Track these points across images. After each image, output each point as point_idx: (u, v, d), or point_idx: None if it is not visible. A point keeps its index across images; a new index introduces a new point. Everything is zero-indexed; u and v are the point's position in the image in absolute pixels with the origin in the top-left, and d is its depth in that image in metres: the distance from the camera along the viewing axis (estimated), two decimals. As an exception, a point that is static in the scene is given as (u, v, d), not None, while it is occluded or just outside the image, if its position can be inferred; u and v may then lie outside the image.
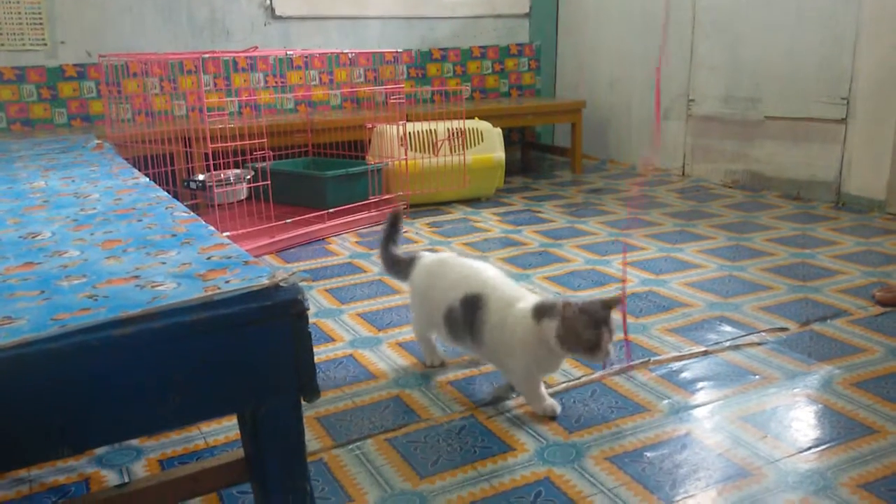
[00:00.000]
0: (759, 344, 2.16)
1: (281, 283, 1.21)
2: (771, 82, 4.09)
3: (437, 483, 1.55)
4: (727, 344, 2.16)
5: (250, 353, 1.21)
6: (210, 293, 1.17)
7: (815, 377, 1.94)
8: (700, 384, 1.93)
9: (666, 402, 1.84)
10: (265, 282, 1.20)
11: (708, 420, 1.76)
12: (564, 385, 1.93)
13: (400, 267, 2.11)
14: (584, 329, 1.66)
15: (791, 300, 2.49)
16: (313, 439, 1.72)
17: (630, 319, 2.37)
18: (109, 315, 1.11)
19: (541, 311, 1.73)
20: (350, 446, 1.70)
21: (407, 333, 2.30)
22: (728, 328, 2.28)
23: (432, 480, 1.56)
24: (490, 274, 1.90)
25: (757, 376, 1.96)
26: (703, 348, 2.13)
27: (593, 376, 1.97)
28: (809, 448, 1.63)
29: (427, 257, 2.05)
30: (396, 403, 1.88)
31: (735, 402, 1.83)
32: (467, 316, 1.83)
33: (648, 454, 1.62)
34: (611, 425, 1.74)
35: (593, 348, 1.67)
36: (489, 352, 1.85)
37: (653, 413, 1.79)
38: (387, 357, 2.14)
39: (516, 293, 1.83)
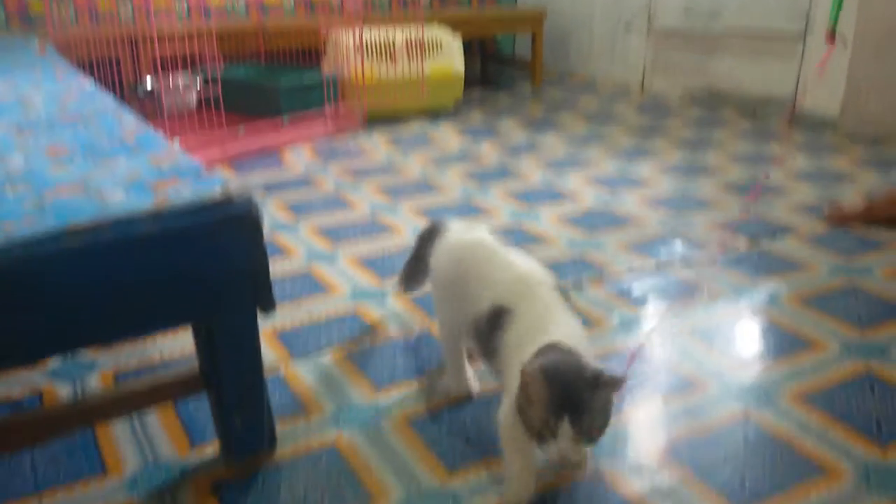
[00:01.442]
0: (709, 260, 2.20)
1: (234, 195, 1.18)
2: (733, -4, 4.05)
3: (394, 396, 1.57)
4: (678, 260, 2.20)
5: (204, 266, 1.20)
6: (161, 204, 1.15)
7: (762, 293, 1.99)
8: (650, 299, 1.97)
9: (616, 316, 1.88)
10: (218, 193, 1.18)
11: (656, 334, 1.81)
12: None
13: (420, 247, 1.68)
14: (535, 404, 1.12)
15: (742, 217, 2.53)
16: (270, 354, 1.73)
17: (584, 237, 2.38)
18: (57, 224, 1.08)
19: (538, 354, 1.20)
20: (307, 361, 1.71)
21: (364, 248, 2.29)
22: (680, 244, 2.31)
23: (388, 393, 1.58)
24: (534, 282, 1.34)
25: (706, 292, 2.01)
26: (654, 264, 2.17)
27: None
28: (753, 361, 1.69)
29: (456, 233, 1.54)
30: (354, 319, 1.89)
31: (683, 317, 1.88)
32: (491, 333, 1.32)
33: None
34: (564, 339, 1.77)
35: (541, 438, 1.13)
36: (506, 385, 1.29)
37: (603, 327, 1.83)
38: (344, 272, 2.14)
39: (552, 317, 1.27)
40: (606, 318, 1.87)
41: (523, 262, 1.40)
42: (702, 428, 1.46)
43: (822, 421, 1.47)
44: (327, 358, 1.71)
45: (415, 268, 1.74)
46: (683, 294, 2.00)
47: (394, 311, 1.92)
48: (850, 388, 1.58)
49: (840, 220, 2.45)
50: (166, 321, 1.24)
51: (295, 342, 1.78)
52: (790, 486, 1.30)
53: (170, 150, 1.39)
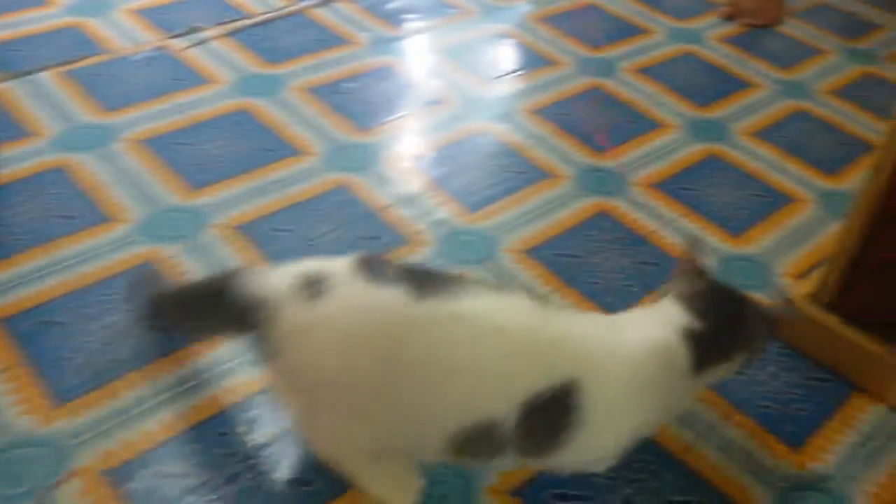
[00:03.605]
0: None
1: None
2: None
3: (126, 116, 1.47)
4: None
5: None
6: None
7: (511, 12, 2.02)
8: (403, 16, 1.93)
9: (368, 34, 1.84)
10: None
11: (408, 52, 1.80)
12: (265, 17, 1.84)
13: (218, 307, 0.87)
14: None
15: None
16: (-25, 71, 1.53)
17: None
18: None
19: (694, 330, 0.86)
20: (22, 79, 1.53)
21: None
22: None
23: (120, 114, 1.47)
24: (571, 328, 0.84)
25: (457, 10, 2.00)
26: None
27: (292, 8, 1.89)
28: (495, 78, 1.74)
29: (335, 300, 0.80)
30: (75, 33, 1.69)
31: (435, 35, 1.87)
32: (540, 426, 0.81)
33: (348, 85, 1.64)
34: (312, 57, 1.72)
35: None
36: (570, 458, 0.86)
37: (354, 46, 1.79)
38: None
39: (617, 330, 0.87)
40: (358, 36, 1.82)
41: (507, 309, 0.81)
42: (443, 142, 1.52)
43: (552, 132, 1.58)
44: (45, 76, 1.54)
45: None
46: (436, 11, 1.97)
47: (120, 23, 1.74)
48: (579, 102, 1.69)
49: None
50: None
51: (4, 58, 1.57)
52: (518, 190, 1.41)
53: None
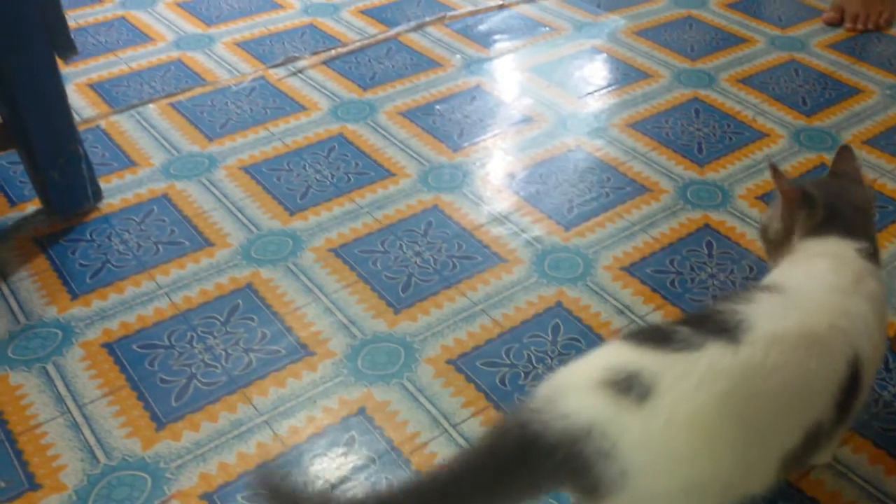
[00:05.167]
0: (553, -3, 2.16)
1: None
2: None
3: (228, 144, 1.51)
4: (523, -2, 2.14)
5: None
6: None
7: (603, 27, 1.99)
8: (493, 37, 1.93)
9: (459, 56, 1.84)
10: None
11: (498, 72, 1.79)
12: (359, 44, 1.87)
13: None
14: None
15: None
16: (87, 106, 1.60)
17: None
18: None
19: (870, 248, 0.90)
20: (130, 112, 1.60)
21: (188, -8, 2.10)
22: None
23: (222, 142, 1.52)
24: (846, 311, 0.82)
25: (547, 28, 1.98)
26: (498, 1, 2.10)
27: (389, 34, 1.92)
28: (588, 94, 1.71)
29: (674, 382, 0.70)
30: (178, 67, 1.76)
31: (525, 54, 1.86)
32: (846, 404, 0.81)
33: (439, 107, 1.65)
34: (404, 81, 1.73)
35: None
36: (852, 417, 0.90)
37: (445, 68, 1.79)
38: (164, 17, 1.96)
39: (847, 288, 0.84)
40: (448, 58, 1.83)
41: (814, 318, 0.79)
42: (535, 160, 1.50)
43: (649, 145, 1.54)
44: (152, 108, 1.61)
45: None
46: (525, 31, 1.96)
47: (221, 55, 1.80)
48: (676, 113, 1.64)
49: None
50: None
51: (114, 93, 1.65)
52: (615, 206, 1.37)
53: None
